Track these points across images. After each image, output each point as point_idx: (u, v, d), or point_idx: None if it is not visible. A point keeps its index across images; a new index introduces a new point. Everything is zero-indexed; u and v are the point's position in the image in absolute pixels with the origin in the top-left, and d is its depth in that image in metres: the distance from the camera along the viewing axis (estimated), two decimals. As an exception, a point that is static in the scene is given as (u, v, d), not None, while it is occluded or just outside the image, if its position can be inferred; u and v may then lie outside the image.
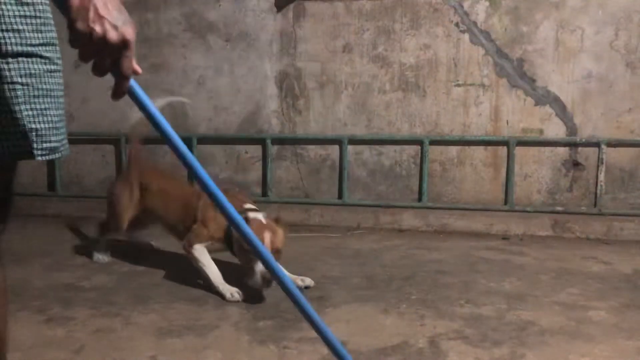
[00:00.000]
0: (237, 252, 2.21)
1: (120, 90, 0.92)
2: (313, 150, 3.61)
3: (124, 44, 0.87)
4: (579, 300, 2.20)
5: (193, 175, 1.01)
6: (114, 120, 3.78)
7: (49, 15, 1.05)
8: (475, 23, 3.33)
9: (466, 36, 3.35)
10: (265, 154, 3.62)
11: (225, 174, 3.73)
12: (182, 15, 3.65)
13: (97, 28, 0.84)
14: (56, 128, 1.07)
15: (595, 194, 3.32)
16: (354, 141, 3.54)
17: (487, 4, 3.30)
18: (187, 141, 3.70)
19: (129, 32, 0.87)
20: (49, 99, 1.05)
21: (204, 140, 3.70)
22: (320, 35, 3.50)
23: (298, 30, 3.53)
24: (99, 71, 0.88)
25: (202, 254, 2.30)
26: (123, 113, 3.79)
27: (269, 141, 3.60)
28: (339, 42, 3.49)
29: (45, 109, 1.04)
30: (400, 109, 3.48)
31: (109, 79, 0.90)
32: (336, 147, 3.57)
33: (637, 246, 3.06)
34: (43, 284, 2.38)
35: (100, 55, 0.86)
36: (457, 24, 3.35)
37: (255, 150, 3.66)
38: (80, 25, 0.83)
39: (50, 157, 1.08)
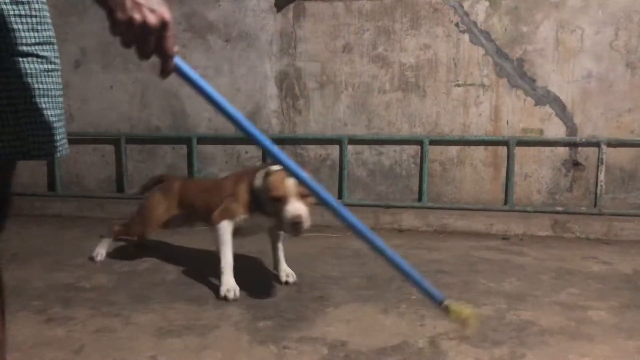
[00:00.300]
0: (267, 204, 2.19)
1: (167, 69, 0.97)
2: (313, 150, 3.61)
3: (163, 25, 0.91)
4: (579, 300, 2.20)
5: (248, 136, 1.14)
6: (114, 120, 3.78)
7: (46, 14, 1.05)
8: (475, 23, 3.33)
9: (466, 36, 3.35)
10: (265, 154, 3.62)
11: (225, 174, 3.73)
12: (182, 15, 3.65)
13: (136, 15, 0.87)
14: (54, 128, 1.07)
15: (595, 194, 3.32)
16: (354, 141, 3.54)
17: (487, 4, 3.30)
18: (187, 141, 3.71)
19: (166, 13, 0.91)
20: (46, 99, 1.04)
21: (204, 140, 3.70)
22: (320, 35, 3.50)
23: (298, 30, 3.53)
24: (143, 55, 0.93)
25: (227, 231, 2.29)
26: (123, 113, 3.80)
27: (269, 141, 3.59)
28: (339, 42, 3.49)
29: (43, 108, 1.03)
30: (400, 109, 3.48)
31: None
32: (336, 147, 3.57)
33: (637, 246, 3.06)
34: (43, 284, 2.38)
35: (142, 39, 0.90)
36: (457, 24, 3.35)
37: (255, 150, 3.66)
38: (120, 15, 0.87)
39: (48, 157, 1.08)
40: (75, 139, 3.84)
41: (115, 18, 0.87)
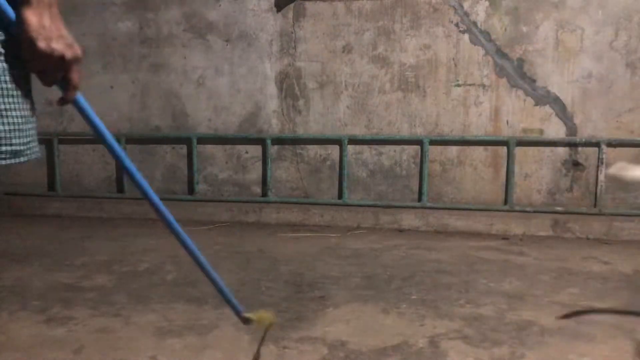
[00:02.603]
0: None
1: (69, 99, 0.99)
2: (313, 150, 3.61)
3: (76, 59, 0.95)
4: (579, 300, 2.20)
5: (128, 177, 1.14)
6: (114, 120, 3.78)
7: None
8: (475, 23, 3.33)
9: (466, 36, 3.35)
10: (265, 154, 3.62)
11: (225, 174, 3.73)
12: (182, 15, 3.65)
13: (58, 47, 0.90)
14: (20, 130, 1.00)
15: (595, 194, 3.32)
16: (354, 141, 3.54)
17: (487, 4, 3.30)
18: (187, 141, 3.71)
19: (79, 49, 0.95)
20: (10, 99, 0.98)
21: (204, 140, 3.70)
22: (320, 35, 3.50)
23: (298, 30, 3.53)
24: (48, 83, 0.95)
25: None
26: (123, 113, 3.80)
27: (269, 141, 3.60)
28: (339, 42, 3.49)
29: (6, 109, 0.97)
30: (400, 109, 3.48)
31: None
32: (336, 147, 3.57)
33: (637, 246, 3.06)
34: (43, 284, 2.38)
35: (54, 69, 0.93)
36: (457, 24, 3.35)
37: (255, 150, 3.66)
38: (42, 44, 0.89)
39: (12, 161, 1.00)
40: (75, 139, 3.84)
41: (37, 48, 0.89)
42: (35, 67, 0.92)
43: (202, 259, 1.36)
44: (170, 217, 1.20)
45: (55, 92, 0.93)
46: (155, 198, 1.16)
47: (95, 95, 3.76)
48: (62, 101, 0.99)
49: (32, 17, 0.88)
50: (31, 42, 0.88)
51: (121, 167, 1.15)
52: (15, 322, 1.95)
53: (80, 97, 1.02)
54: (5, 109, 0.97)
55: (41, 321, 1.98)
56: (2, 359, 1.69)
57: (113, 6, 3.69)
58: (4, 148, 0.98)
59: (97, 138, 1.10)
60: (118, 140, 3.77)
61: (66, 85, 0.97)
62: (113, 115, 3.77)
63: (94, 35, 3.70)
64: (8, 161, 1.00)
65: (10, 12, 0.90)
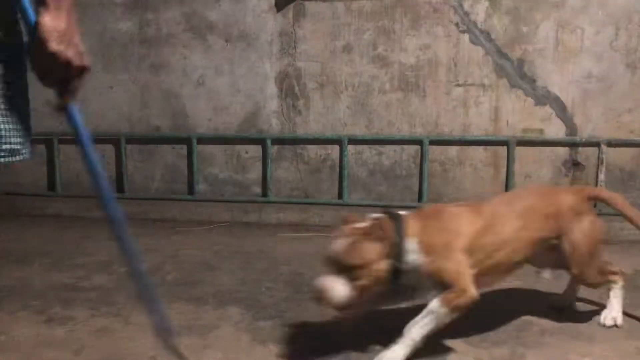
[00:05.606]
0: None
1: (62, 105, 1.03)
2: (313, 150, 3.61)
3: (82, 69, 0.98)
4: (579, 300, 2.20)
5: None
6: (114, 120, 3.78)
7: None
8: (475, 23, 3.33)
9: (466, 36, 3.35)
10: (265, 154, 3.62)
11: (225, 174, 3.73)
12: (182, 15, 3.65)
13: (68, 51, 0.93)
14: (17, 130, 1.04)
15: (595, 194, 3.31)
16: (354, 141, 3.54)
17: (487, 4, 3.30)
18: (187, 141, 3.71)
19: (88, 61, 0.98)
20: (7, 100, 1.02)
21: (204, 140, 3.70)
22: (320, 35, 3.50)
23: (298, 30, 3.53)
24: (48, 84, 0.97)
25: None
26: (123, 113, 3.80)
27: (269, 141, 3.60)
28: (339, 42, 3.49)
29: (6, 109, 1.01)
30: (400, 109, 3.48)
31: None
32: (336, 147, 3.56)
33: (637, 246, 3.06)
34: (43, 284, 2.38)
35: (58, 72, 0.95)
36: (457, 24, 3.35)
37: (255, 150, 3.66)
38: (52, 45, 0.92)
39: (11, 159, 1.05)
40: (75, 139, 3.83)
41: (47, 47, 0.91)
42: (41, 66, 0.94)
43: (139, 264, 1.31)
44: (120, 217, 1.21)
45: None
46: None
47: (95, 95, 3.76)
48: (57, 107, 1.02)
49: (48, 19, 0.91)
50: (43, 42, 0.91)
51: (90, 172, 1.18)
52: (15, 322, 1.95)
53: (73, 106, 1.05)
54: (6, 109, 1.00)
55: (41, 321, 1.98)
56: (2, 359, 1.69)
57: (113, 6, 3.69)
58: (4, 147, 1.02)
59: (82, 150, 1.14)
60: (118, 140, 3.77)
61: (64, 90, 0.99)
62: (113, 115, 3.77)
63: (94, 35, 3.69)
64: (6, 159, 1.03)
65: (32, 15, 0.94)
